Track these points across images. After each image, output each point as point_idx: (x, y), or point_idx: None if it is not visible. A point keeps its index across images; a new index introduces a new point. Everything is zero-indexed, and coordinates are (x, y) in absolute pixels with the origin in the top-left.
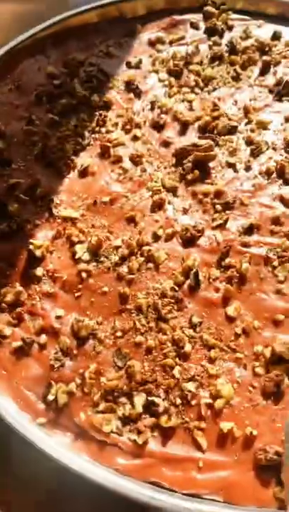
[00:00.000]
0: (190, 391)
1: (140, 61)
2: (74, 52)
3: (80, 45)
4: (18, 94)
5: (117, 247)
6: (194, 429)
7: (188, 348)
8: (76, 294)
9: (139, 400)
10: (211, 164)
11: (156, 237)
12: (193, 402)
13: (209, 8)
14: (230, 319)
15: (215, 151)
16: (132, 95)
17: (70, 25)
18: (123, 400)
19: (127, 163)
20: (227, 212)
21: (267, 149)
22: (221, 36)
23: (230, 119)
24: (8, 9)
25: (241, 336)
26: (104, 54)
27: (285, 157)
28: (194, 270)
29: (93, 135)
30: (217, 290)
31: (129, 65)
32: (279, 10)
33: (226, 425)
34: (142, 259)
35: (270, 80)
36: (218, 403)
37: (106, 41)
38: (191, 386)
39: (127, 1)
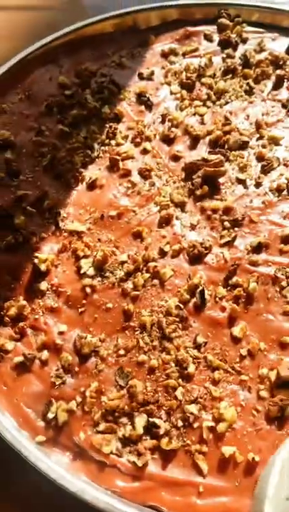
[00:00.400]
0: (192, 413)
1: (152, 73)
2: (87, 62)
3: (93, 55)
4: (29, 104)
5: (122, 263)
6: (195, 452)
7: (191, 368)
8: (80, 310)
9: (140, 421)
10: (221, 180)
11: (162, 253)
12: (195, 425)
13: (223, 20)
14: (236, 340)
15: (225, 166)
16: (143, 107)
17: (84, 34)
18: (124, 420)
19: (135, 177)
20: (236, 229)
21: (278, 166)
22: (235, 49)
23: (241, 134)
24: (23, 17)
25: (246, 357)
26: (117, 65)
27: None
28: (200, 288)
29: (103, 147)
30: (223, 309)
31: (141, 77)
32: None
33: (227, 450)
34: (148, 275)
35: (283, 94)
36: (221, 427)
37: (119, 52)
38: (193, 408)
39: (141, 12)
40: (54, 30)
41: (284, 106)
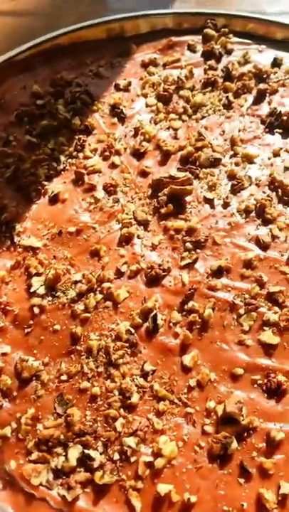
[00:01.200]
0: (130, 446)
1: (129, 83)
2: (64, 71)
3: (71, 64)
4: (0, 112)
5: (76, 282)
6: (130, 488)
7: (135, 398)
8: (26, 330)
9: (74, 452)
10: (188, 198)
11: (119, 274)
12: (132, 459)
13: (209, 31)
14: (186, 369)
15: (193, 184)
16: (116, 120)
17: (64, 42)
18: (58, 450)
19: (100, 192)
20: (198, 251)
21: (249, 185)
22: (219, 60)
23: (214, 151)
24: (5, 22)
25: (195, 388)
26: (94, 74)
27: (268, 195)
28: (153, 313)
29: (70, 160)
30: (176, 336)
31: (117, 88)
32: (287, 34)
33: (163, 488)
34: (100, 296)
35: (264, 109)
36: (158, 463)
37: (98, 61)
38: (131, 441)
39: (126, 20)
40: (36, 37)
41: (263, 122)
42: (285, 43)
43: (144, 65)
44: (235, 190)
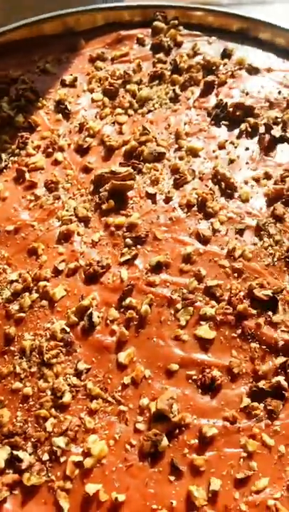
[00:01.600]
0: (59, 447)
1: (75, 79)
2: (11, 68)
3: (19, 61)
4: None
5: (12, 282)
6: (58, 489)
7: (67, 398)
8: None
9: (2, 453)
10: (130, 194)
11: (56, 272)
12: (62, 459)
13: (158, 23)
14: (121, 367)
15: (136, 179)
16: (60, 116)
17: (12, 38)
18: None
19: (40, 190)
20: (138, 247)
21: (193, 179)
22: (168, 53)
23: (158, 145)
24: None
25: (129, 386)
26: (41, 71)
27: (210, 189)
28: (89, 311)
29: (12, 158)
30: (112, 333)
31: (63, 84)
32: (243, 26)
33: (91, 487)
34: (36, 295)
35: (211, 101)
36: (87, 462)
37: (46, 57)
38: (61, 441)
39: (76, 14)
40: None
41: (209, 114)
42: (238, 34)
43: (92, 60)
44: (177, 184)
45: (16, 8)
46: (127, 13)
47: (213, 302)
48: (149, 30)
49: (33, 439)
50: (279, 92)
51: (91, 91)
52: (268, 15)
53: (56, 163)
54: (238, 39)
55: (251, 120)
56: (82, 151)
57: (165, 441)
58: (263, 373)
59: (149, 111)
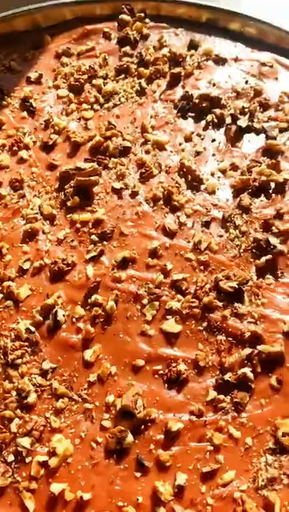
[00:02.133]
0: (24, 447)
1: (41, 76)
2: None
3: None
4: None
5: None
6: (23, 490)
7: (32, 398)
8: None
9: None
10: (96, 189)
11: (21, 271)
12: (28, 460)
13: (124, 16)
14: (88, 365)
15: (102, 174)
16: (25, 113)
17: None
18: None
19: (5, 189)
20: (104, 243)
21: (159, 173)
22: (134, 47)
23: (124, 139)
24: None
25: (96, 383)
26: (6, 69)
27: (176, 182)
28: (54, 310)
29: None
30: (78, 331)
31: (29, 81)
32: (212, 16)
33: (56, 487)
34: (0, 296)
35: (178, 94)
36: (52, 461)
37: (11, 54)
38: (26, 442)
39: (42, 9)
40: None
41: (176, 107)
42: (206, 25)
43: (58, 56)
44: (143, 178)
45: None
46: (95, 6)
47: (179, 296)
48: (116, 23)
49: None
50: (246, 82)
51: (57, 87)
52: (238, 4)
53: (21, 161)
54: (206, 30)
55: (217, 111)
56: (47, 148)
57: (130, 438)
58: (230, 365)
59: (115, 105)
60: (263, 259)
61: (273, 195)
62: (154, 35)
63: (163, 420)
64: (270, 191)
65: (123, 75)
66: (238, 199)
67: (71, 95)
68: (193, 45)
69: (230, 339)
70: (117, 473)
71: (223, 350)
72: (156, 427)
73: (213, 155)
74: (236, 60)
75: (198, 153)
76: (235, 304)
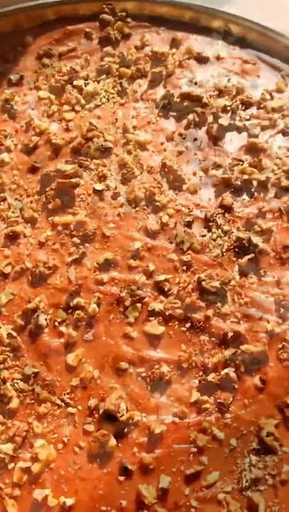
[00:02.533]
0: (6, 453)
1: (21, 77)
2: None
3: None
4: None
5: None
6: (6, 496)
7: (15, 403)
8: None
9: None
10: (77, 191)
11: (3, 276)
12: (10, 466)
13: (105, 16)
14: (70, 369)
15: (83, 176)
16: (6, 116)
17: None
18: None
19: None
20: (86, 245)
21: (141, 173)
22: (116, 47)
23: (106, 140)
24: None
25: (78, 387)
26: None
27: (158, 182)
28: (36, 314)
29: None
30: (60, 335)
31: (10, 83)
32: (195, 15)
33: (39, 493)
34: None
35: (159, 93)
36: (35, 467)
37: None
38: (8, 448)
39: (23, 10)
40: None
41: (157, 106)
42: (189, 24)
43: (39, 57)
44: (125, 179)
45: None
46: (77, 6)
47: (162, 297)
48: (97, 23)
49: None
50: (228, 80)
51: (38, 89)
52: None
53: (3, 164)
54: (188, 28)
55: (199, 110)
56: (28, 150)
57: (113, 441)
58: (213, 366)
59: (97, 106)
60: (246, 258)
61: (256, 193)
62: (135, 35)
63: (146, 423)
64: (253, 190)
65: (104, 76)
66: (220, 198)
67: (52, 97)
68: (174, 44)
69: (214, 339)
70: (101, 477)
71: (206, 350)
72: (140, 430)
73: (195, 154)
74: (218, 58)
75: (180, 153)
76: (218, 304)
